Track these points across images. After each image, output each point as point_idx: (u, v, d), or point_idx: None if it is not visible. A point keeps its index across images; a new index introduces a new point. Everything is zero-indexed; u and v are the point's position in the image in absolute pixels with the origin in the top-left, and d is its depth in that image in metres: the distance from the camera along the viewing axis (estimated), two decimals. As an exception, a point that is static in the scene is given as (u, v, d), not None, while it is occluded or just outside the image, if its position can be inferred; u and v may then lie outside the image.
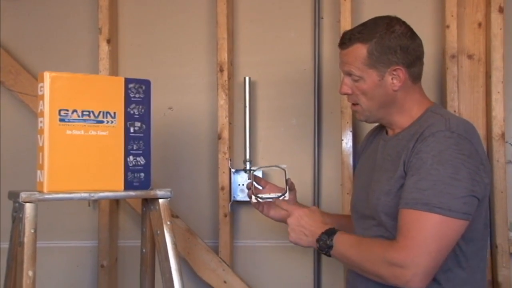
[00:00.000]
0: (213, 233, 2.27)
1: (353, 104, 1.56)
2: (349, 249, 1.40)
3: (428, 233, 1.29)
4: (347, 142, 2.15)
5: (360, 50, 1.46)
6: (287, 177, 1.64)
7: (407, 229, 1.31)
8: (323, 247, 1.44)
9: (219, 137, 2.23)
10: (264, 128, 2.32)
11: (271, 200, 1.65)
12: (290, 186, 1.68)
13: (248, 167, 2.22)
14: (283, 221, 1.62)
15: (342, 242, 1.42)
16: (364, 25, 1.48)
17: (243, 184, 2.20)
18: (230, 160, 2.23)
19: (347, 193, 2.10)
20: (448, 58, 2.10)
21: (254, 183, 1.68)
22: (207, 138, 2.33)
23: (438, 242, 1.30)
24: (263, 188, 1.71)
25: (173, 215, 2.23)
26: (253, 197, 1.65)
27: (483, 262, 1.45)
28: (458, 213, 1.30)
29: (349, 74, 1.53)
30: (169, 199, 1.56)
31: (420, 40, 1.50)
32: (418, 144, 1.37)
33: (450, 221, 1.30)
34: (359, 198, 1.57)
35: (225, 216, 2.22)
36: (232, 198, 2.21)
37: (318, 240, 1.45)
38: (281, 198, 1.65)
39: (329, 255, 1.43)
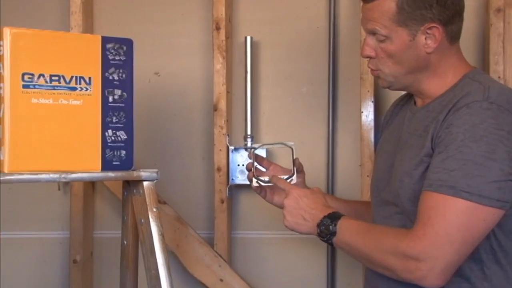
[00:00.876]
0: (208, 222, 2.32)
1: (374, 70, 1.55)
2: (355, 236, 1.41)
3: (451, 221, 1.29)
4: (368, 114, 2.18)
5: (387, 4, 1.46)
6: (294, 157, 1.65)
7: (427, 216, 1.31)
8: (324, 233, 1.45)
9: (215, 109, 2.26)
10: (268, 98, 2.35)
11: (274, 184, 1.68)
12: (298, 167, 1.68)
13: (249, 145, 2.25)
14: None
15: (347, 228, 1.43)
16: None
17: (243, 165, 2.23)
18: (228, 136, 2.26)
19: (367, 176, 2.13)
20: (493, 12, 2.10)
21: (256, 163, 1.69)
22: (200, 109, 2.35)
23: (463, 232, 1.29)
24: (266, 169, 1.72)
25: (160, 201, 2.26)
26: (254, 180, 1.66)
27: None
28: (490, 199, 1.30)
29: (373, 33, 1.52)
30: (155, 181, 1.56)
31: None
32: (450, 117, 1.38)
33: (479, 208, 1.30)
34: (380, 180, 1.58)
35: (222, 202, 2.26)
36: (230, 181, 2.25)
37: (319, 225, 1.46)
38: (273, 183, 1.67)
39: (332, 244, 1.45)
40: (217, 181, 2.24)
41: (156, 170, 1.58)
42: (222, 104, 2.24)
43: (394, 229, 1.41)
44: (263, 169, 1.72)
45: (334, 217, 1.46)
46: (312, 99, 2.31)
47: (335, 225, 1.44)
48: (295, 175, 1.66)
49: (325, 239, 1.46)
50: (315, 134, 2.29)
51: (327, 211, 1.47)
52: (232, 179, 2.24)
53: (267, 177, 1.67)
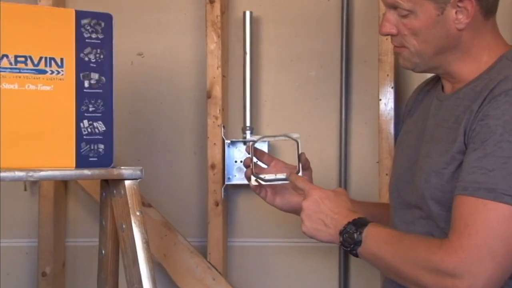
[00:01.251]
0: (200, 228, 2.33)
1: (398, 47, 1.54)
2: (383, 246, 1.41)
3: (492, 229, 1.29)
4: (387, 102, 2.18)
5: (410, -28, 1.45)
6: (300, 151, 1.65)
7: (464, 224, 1.31)
8: (348, 242, 1.45)
9: (209, 96, 2.26)
10: (270, 84, 2.36)
11: (277, 183, 1.67)
12: (304, 163, 1.68)
13: (248, 137, 2.26)
14: (295, 211, 1.66)
15: (374, 237, 1.43)
16: None
17: (241, 161, 2.25)
18: (223, 127, 2.27)
19: (386, 174, 2.14)
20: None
21: (255, 159, 1.69)
22: (191, 97, 2.36)
23: (506, 243, 1.29)
24: (267, 166, 1.72)
25: (145, 203, 2.26)
26: (252, 178, 1.66)
27: None
28: None
29: (394, 7, 1.51)
30: (139, 180, 1.57)
31: None
32: (485, 106, 1.37)
33: None
34: (401, 180, 1.58)
35: (217, 204, 2.27)
36: (226, 180, 2.25)
37: (342, 233, 1.47)
38: (290, 180, 1.67)
39: (356, 255, 1.45)
40: (211, 180, 2.24)
41: (140, 167, 1.58)
42: (217, 91, 2.24)
43: (427, 239, 1.41)
44: (264, 166, 1.73)
45: (359, 223, 1.46)
46: (321, 84, 2.32)
47: (361, 233, 1.45)
48: (300, 173, 1.66)
49: (349, 249, 1.46)
50: (325, 125, 2.30)
51: (352, 217, 1.48)
52: (229, 178, 2.25)
53: (269, 174, 1.67)
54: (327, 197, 1.53)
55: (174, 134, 2.35)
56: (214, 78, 2.24)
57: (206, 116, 2.25)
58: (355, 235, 1.44)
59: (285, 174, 1.65)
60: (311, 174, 1.73)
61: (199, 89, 2.33)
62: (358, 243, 1.44)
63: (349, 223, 1.47)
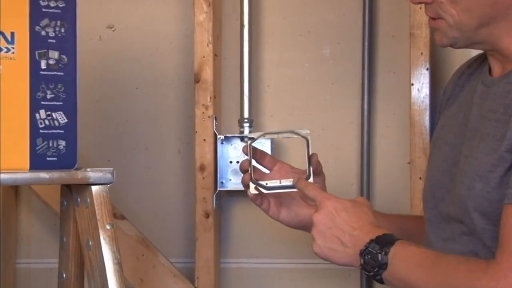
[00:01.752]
0: (186, 246, 2.37)
1: (433, 19, 1.55)
2: (414, 270, 1.42)
3: None
4: (421, 87, 2.21)
5: None
6: (310, 152, 1.65)
7: None
8: (371, 265, 1.45)
9: (197, 80, 2.28)
10: (274, 65, 2.37)
11: (282, 191, 1.67)
12: (316, 167, 1.67)
13: (246, 133, 2.29)
14: (304, 226, 1.67)
15: (404, 259, 1.44)
16: None
17: (237, 162, 2.27)
18: (215, 119, 2.28)
19: (419, 178, 2.16)
20: None
21: (254, 161, 1.69)
22: (175, 80, 2.38)
23: None
24: (270, 170, 1.73)
25: (117, 215, 2.28)
26: (251, 185, 1.66)
27: None
28: None
29: (428, -33, 1.50)
30: (109, 185, 1.57)
31: None
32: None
33: None
34: (437, 186, 1.59)
35: (207, 216, 2.29)
36: (218, 185, 2.28)
37: (363, 253, 1.47)
38: (298, 188, 1.67)
39: (381, 280, 1.45)
40: (199, 186, 2.27)
41: (110, 169, 1.58)
42: (207, 73, 2.26)
43: (469, 260, 1.41)
44: (266, 170, 1.73)
45: (385, 241, 1.46)
46: (338, 65, 2.33)
47: (386, 253, 1.45)
48: (311, 179, 1.67)
49: (372, 273, 1.47)
50: (343, 118, 2.33)
51: (375, 233, 1.48)
52: (222, 183, 2.28)
53: (271, 181, 1.68)
54: (344, 209, 1.53)
55: (154, 128, 2.38)
56: (203, 57, 2.26)
57: (194, 105, 2.27)
58: (379, 256, 1.45)
59: (291, 180, 1.65)
60: (324, 180, 1.74)
61: (185, 71, 2.35)
62: (383, 266, 1.45)
63: (371, 241, 1.47)
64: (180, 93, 2.37)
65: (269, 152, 2.03)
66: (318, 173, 1.70)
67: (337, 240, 1.52)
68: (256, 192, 1.67)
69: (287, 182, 1.66)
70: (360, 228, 1.51)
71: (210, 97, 2.27)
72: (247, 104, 2.31)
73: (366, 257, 1.47)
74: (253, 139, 1.71)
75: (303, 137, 1.66)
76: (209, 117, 2.27)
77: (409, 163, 2.22)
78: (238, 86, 2.31)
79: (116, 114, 2.37)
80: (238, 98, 2.31)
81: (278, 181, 1.68)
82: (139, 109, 2.37)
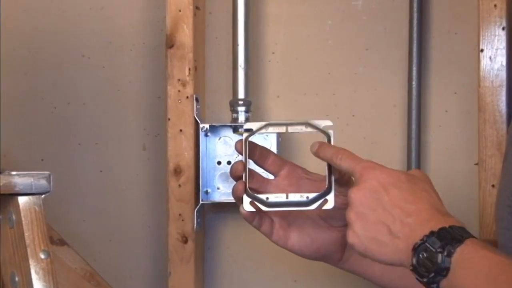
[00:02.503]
0: (154, 283, 2.27)
1: None
2: (484, 280, 1.30)
3: None
4: (494, 55, 2.13)
5: None
6: None
7: None
8: (426, 267, 1.34)
9: (170, 43, 2.18)
10: (282, 23, 2.27)
11: (289, 209, 1.58)
12: (341, 174, 1.56)
13: (241, 120, 2.21)
14: (325, 256, 1.62)
15: (472, 266, 1.32)
16: None
17: (228, 162, 2.21)
18: (197, 100, 2.18)
19: (492, 185, 2.11)
20: None
21: (252, 163, 1.62)
22: (137, 45, 2.29)
23: None
24: (274, 175, 1.64)
25: (55, 239, 2.14)
26: (245, 199, 1.56)
27: None
28: None
29: None
30: (44, 196, 1.47)
31: None
32: None
33: None
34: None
35: (184, 241, 2.16)
36: (201, 196, 2.18)
37: (417, 250, 1.36)
38: (315, 207, 1.54)
39: None
40: (174, 197, 2.16)
41: (46, 173, 1.49)
42: (185, 35, 2.14)
43: None
44: (269, 175, 1.65)
45: (450, 236, 1.35)
46: (375, 22, 2.23)
47: (450, 254, 1.33)
48: (332, 193, 1.54)
49: (426, 279, 1.36)
50: (382, 99, 2.25)
51: (439, 222, 1.37)
52: (206, 193, 2.18)
53: (275, 195, 1.56)
54: (395, 184, 1.42)
55: (107, 114, 2.26)
56: (179, 11, 2.14)
57: (165, 81, 2.15)
58: (439, 256, 1.32)
59: (303, 196, 1.54)
60: None
61: (152, 31, 2.26)
62: (443, 271, 1.32)
63: (432, 233, 1.34)
64: (146, 63, 2.24)
65: (274, 150, 2.00)
66: (345, 182, 1.57)
67: (384, 228, 1.40)
68: (252, 209, 1.55)
69: (297, 197, 1.55)
70: (417, 212, 1.39)
71: (189, 69, 2.14)
72: (243, 80, 2.17)
73: (420, 255, 1.35)
74: (251, 132, 1.60)
75: (322, 131, 1.56)
76: (187, 97, 2.14)
77: (476, 164, 2.12)
78: (230, 53, 2.18)
79: (53, 93, 2.23)
80: (229, 70, 2.18)
81: (285, 195, 1.55)
82: (86, 87, 2.25)
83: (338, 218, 1.56)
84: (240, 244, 2.25)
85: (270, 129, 1.63)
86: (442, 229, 1.35)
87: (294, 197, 1.55)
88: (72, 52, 2.26)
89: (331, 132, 1.54)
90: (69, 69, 2.26)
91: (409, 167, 2.23)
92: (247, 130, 1.59)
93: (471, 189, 2.14)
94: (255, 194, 1.57)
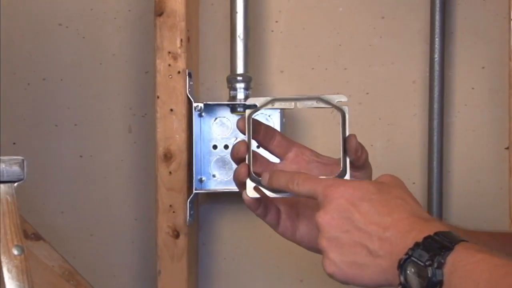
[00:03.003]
0: (141, 283, 2.22)
1: None
2: None
3: None
4: None
5: None
6: (347, 132, 1.52)
7: None
8: (415, 284, 1.28)
9: (159, 11, 2.07)
10: None
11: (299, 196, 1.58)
12: (357, 155, 1.53)
13: (239, 97, 2.12)
14: None
15: (469, 274, 1.26)
16: None
17: (225, 146, 2.16)
18: (190, 76, 2.09)
19: None
20: None
21: (255, 144, 1.59)
22: (122, 11, 2.22)
23: None
24: (280, 159, 1.61)
25: (29, 234, 2.04)
26: (249, 183, 1.52)
27: None
28: None
29: None
30: (16, 184, 1.45)
31: None
32: None
33: None
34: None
35: (176, 236, 2.07)
36: (195, 185, 2.12)
37: (403, 266, 1.30)
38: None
39: None
40: (163, 186, 2.09)
41: (18, 158, 1.46)
42: (176, 1, 2.06)
43: None
44: (274, 159, 1.61)
45: (438, 245, 1.29)
46: None
47: (440, 265, 1.27)
48: (348, 174, 1.51)
49: None
50: (400, 74, 2.20)
51: (423, 231, 1.31)
52: (201, 181, 2.13)
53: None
54: (365, 197, 1.36)
55: (88, 91, 2.20)
56: None
57: (154, 54, 2.06)
58: (429, 270, 1.26)
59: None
60: (371, 174, 1.60)
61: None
62: (435, 286, 1.27)
63: (416, 245, 1.29)
64: (131, 33, 2.16)
65: (279, 129, 1.99)
66: (361, 165, 1.54)
67: (362, 249, 1.35)
68: (257, 196, 1.51)
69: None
70: (395, 224, 1.34)
71: (181, 40, 2.05)
72: (242, 52, 2.09)
73: (408, 272, 1.29)
74: (254, 108, 1.54)
75: (336, 107, 1.52)
76: (179, 72, 2.05)
77: (507, 148, 2.08)
78: (228, 22, 2.09)
79: (26, 68, 2.15)
80: (227, 42, 2.11)
81: None
82: (64, 60, 2.17)
83: None
84: (238, 240, 2.21)
85: (277, 104, 1.56)
86: (427, 238, 1.31)
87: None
88: (47, 21, 2.18)
89: (345, 108, 1.50)
90: (45, 40, 2.18)
91: (430, 151, 2.17)
92: (250, 106, 1.52)
93: (501, 176, 2.09)
94: (260, 178, 1.54)
